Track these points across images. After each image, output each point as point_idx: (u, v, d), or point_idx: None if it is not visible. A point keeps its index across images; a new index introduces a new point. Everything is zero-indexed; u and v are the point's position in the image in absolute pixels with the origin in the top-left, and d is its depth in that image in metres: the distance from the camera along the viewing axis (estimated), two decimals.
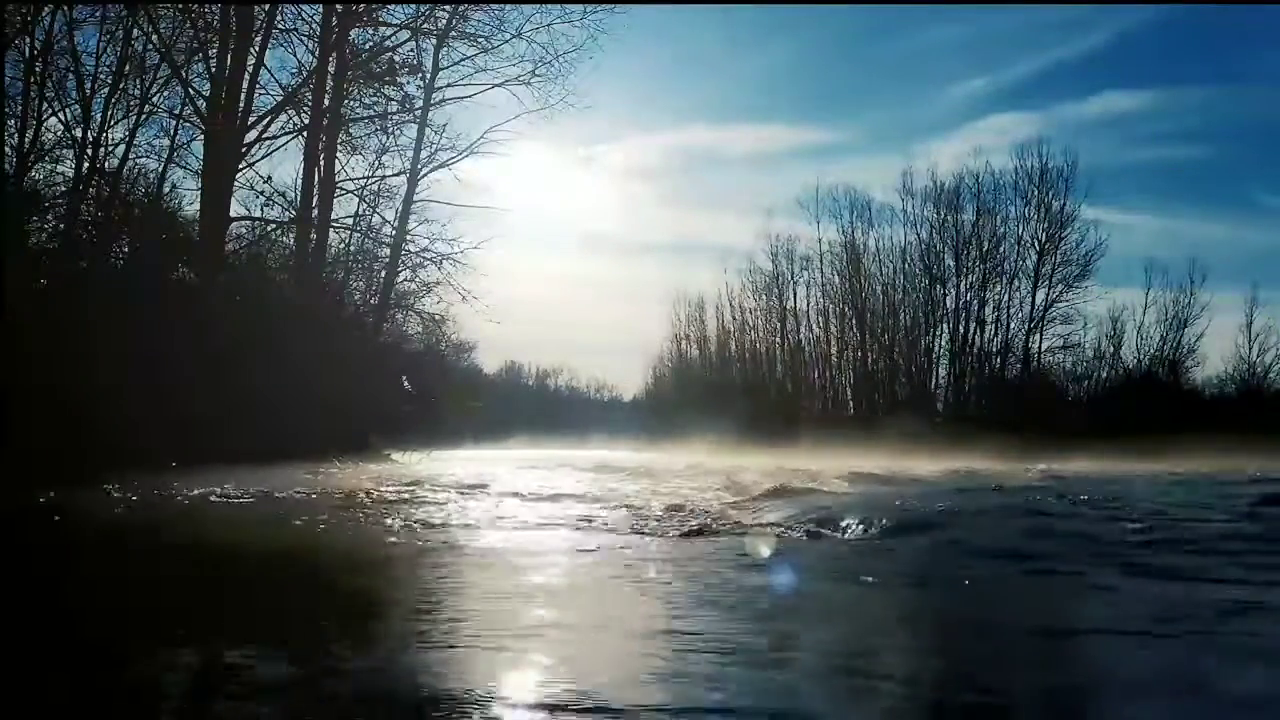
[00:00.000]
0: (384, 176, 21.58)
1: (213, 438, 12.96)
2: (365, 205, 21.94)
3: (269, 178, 19.66)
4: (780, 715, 2.70)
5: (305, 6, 20.11)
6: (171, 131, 18.56)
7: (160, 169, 18.39)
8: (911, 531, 7.05)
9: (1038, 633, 4.07)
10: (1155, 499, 10.25)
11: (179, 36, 18.17)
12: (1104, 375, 42.36)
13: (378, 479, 12.90)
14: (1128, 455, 23.66)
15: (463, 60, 21.31)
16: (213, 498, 9.27)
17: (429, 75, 21.14)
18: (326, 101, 19.73)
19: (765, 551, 6.12)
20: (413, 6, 21.00)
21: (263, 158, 19.70)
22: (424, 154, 21.25)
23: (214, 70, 18.56)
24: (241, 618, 4.16)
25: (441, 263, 21.08)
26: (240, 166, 18.91)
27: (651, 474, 16.57)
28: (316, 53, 19.69)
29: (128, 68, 17.29)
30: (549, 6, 20.63)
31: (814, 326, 47.44)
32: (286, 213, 20.16)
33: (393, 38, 21.10)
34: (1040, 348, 42.45)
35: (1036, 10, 56.84)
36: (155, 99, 18.04)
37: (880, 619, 4.32)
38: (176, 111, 18.51)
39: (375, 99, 21.39)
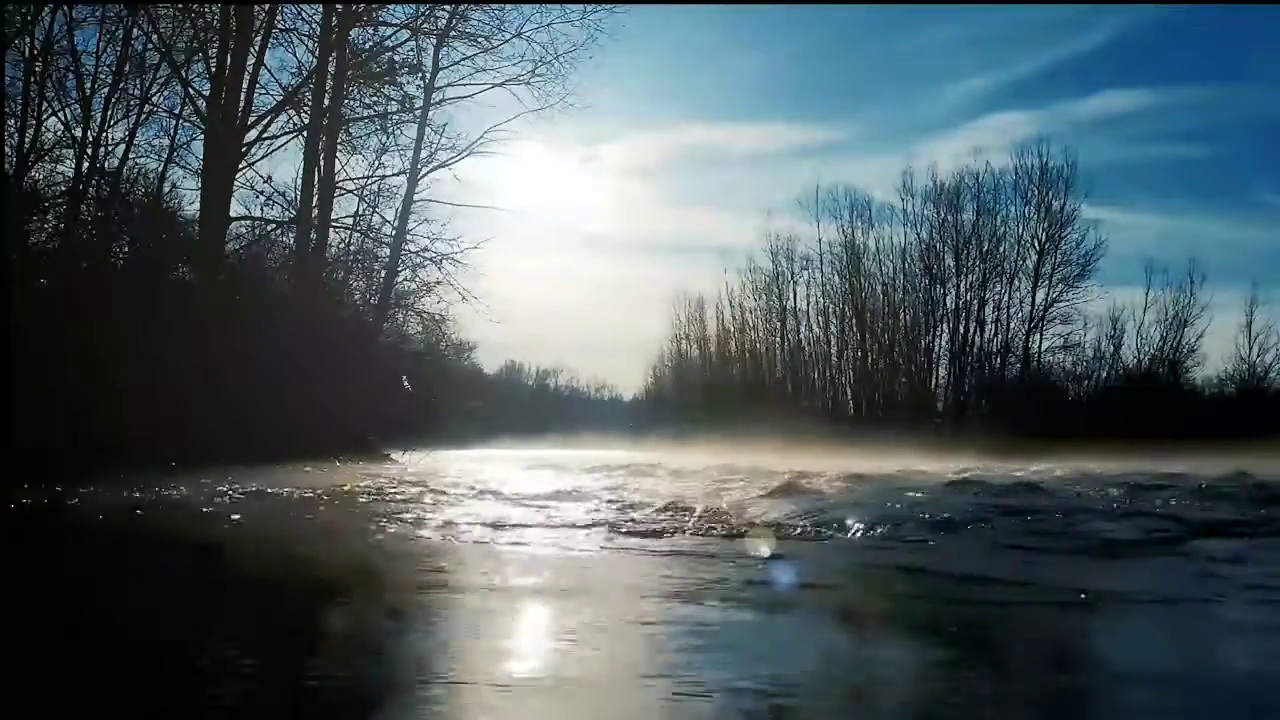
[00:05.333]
0: (384, 176, 21.62)
1: (212, 437, 12.96)
2: (365, 205, 21.99)
3: (269, 178, 19.72)
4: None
5: (305, 6, 20.16)
6: (171, 131, 18.63)
7: (160, 169, 18.45)
8: (913, 529, 7.05)
9: (1049, 628, 4.07)
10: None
11: (179, 36, 18.20)
12: (1104, 375, 42.30)
13: (378, 479, 12.90)
14: (1127, 455, 23.62)
15: (463, 60, 21.35)
16: (211, 497, 9.27)
17: (429, 75, 21.16)
18: (326, 101, 19.72)
19: (766, 550, 6.11)
20: (413, 6, 21.05)
21: (263, 158, 19.76)
22: (424, 154, 21.28)
23: (214, 70, 18.57)
24: (238, 619, 4.16)
25: (441, 262, 21.12)
26: (240, 166, 18.94)
27: (651, 474, 16.54)
28: (316, 53, 19.70)
29: (128, 68, 17.33)
30: (549, 6, 20.69)
31: (814, 326, 47.42)
32: (286, 213, 20.19)
33: (393, 38, 21.14)
34: (1040, 348, 42.40)
35: (1036, 9, 56.86)
36: (155, 99, 18.10)
37: (881, 614, 4.32)
38: (176, 111, 18.58)
39: (375, 99, 21.43)
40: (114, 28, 17.07)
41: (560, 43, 20.77)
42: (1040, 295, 41.72)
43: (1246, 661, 3.54)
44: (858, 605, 4.62)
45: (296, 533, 7.23)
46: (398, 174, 21.49)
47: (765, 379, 48.43)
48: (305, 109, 20.03)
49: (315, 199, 19.93)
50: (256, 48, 19.11)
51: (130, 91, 17.46)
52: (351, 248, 23.10)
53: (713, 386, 47.72)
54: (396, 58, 21.10)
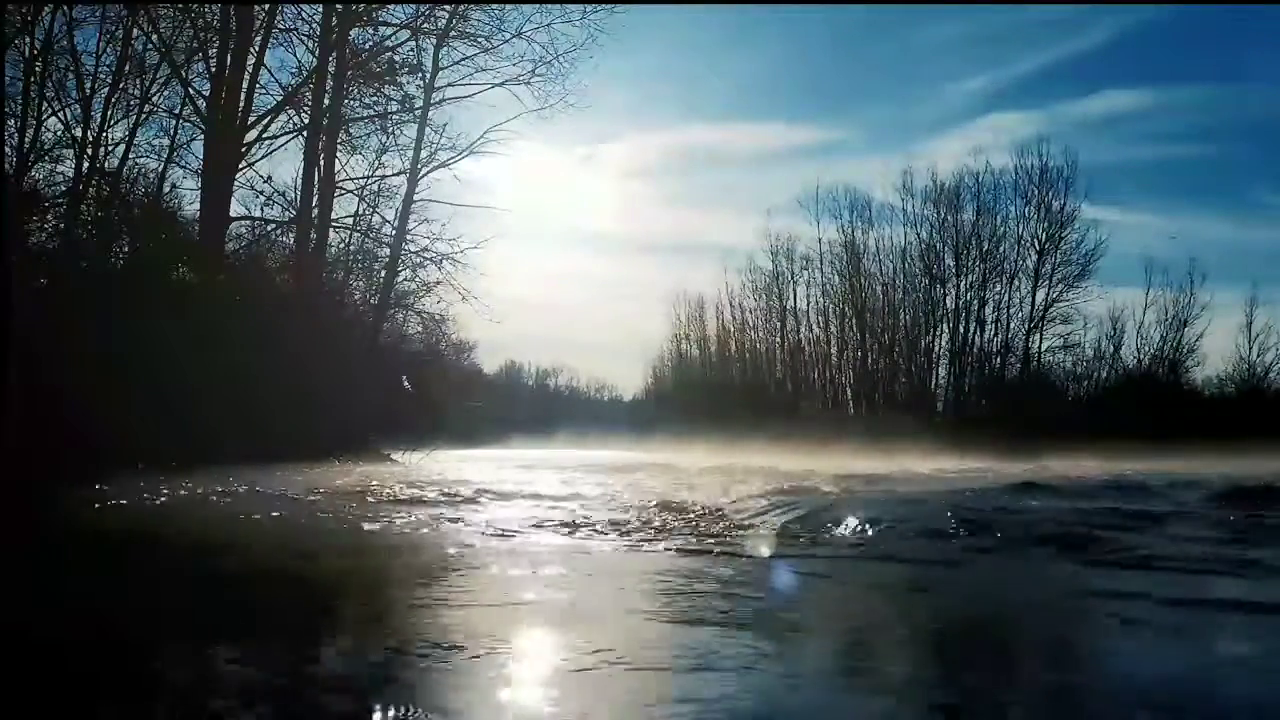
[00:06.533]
0: (384, 176, 21.61)
1: (212, 438, 12.97)
2: (365, 205, 21.98)
3: (269, 178, 19.74)
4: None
5: (305, 6, 20.17)
6: (171, 131, 18.65)
7: (160, 169, 18.48)
8: (913, 529, 7.06)
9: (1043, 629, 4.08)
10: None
11: (179, 36, 18.23)
12: (1104, 375, 42.40)
13: (378, 479, 12.90)
14: (1127, 455, 23.63)
15: (463, 60, 21.34)
16: (212, 498, 9.28)
17: (429, 75, 21.15)
18: (326, 101, 19.73)
19: (765, 551, 6.12)
20: (413, 6, 21.05)
21: (263, 158, 19.78)
22: (424, 154, 21.26)
23: (214, 70, 18.59)
24: (237, 620, 4.17)
25: (441, 262, 21.12)
26: (240, 166, 18.95)
27: (651, 474, 16.57)
28: (316, 53, 19.71)
29: (128, 68, 17.35)
30: (549, 6, 20.67)
31: (814, 326, 47.52)
32: (286, 212, 20.21)
33: (393, 37, 21.14)
34: (1040, 348, 42.49)
35: (1036, 9, 56.90)
36: (155, 99, 18.12)
37: (882, 614, 4.32)
38: (176, 111, 18.60)
39: (375, 99, 21.43)
40: (114, 28, 17.11)
41: (560, 43, 20.80)
42: (1040, 295, 41.86)
43: None
44: (848, 605, 4.63)
45: (293, 531, 7.23)
46: (398, 174, 21.52)
47: (765, 379, 48.51)
48: (305, 109, 20.05)
49: (315, 199, 19.94)
50: (256, 48, 19.16)
51: (130, 91, 17.50)
52: (351, 248, 23.16)
53: (713, 386, 47.78)
54: (396, 58, 21.12)
